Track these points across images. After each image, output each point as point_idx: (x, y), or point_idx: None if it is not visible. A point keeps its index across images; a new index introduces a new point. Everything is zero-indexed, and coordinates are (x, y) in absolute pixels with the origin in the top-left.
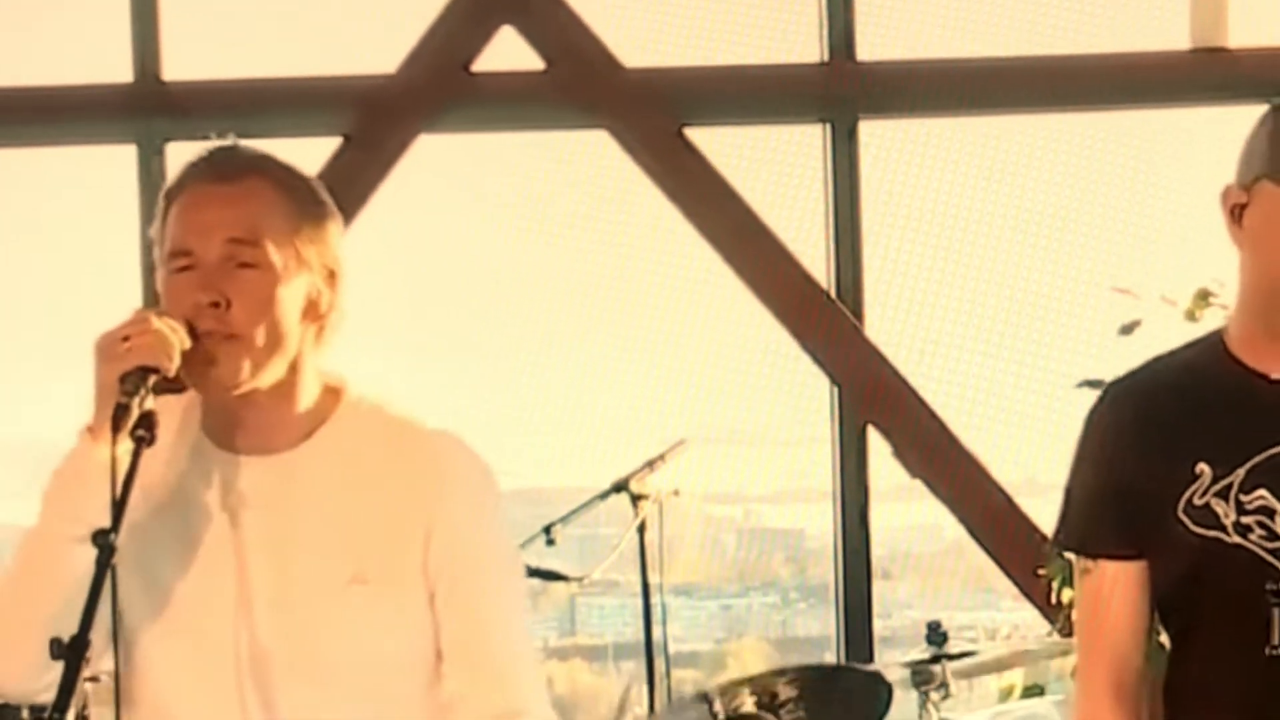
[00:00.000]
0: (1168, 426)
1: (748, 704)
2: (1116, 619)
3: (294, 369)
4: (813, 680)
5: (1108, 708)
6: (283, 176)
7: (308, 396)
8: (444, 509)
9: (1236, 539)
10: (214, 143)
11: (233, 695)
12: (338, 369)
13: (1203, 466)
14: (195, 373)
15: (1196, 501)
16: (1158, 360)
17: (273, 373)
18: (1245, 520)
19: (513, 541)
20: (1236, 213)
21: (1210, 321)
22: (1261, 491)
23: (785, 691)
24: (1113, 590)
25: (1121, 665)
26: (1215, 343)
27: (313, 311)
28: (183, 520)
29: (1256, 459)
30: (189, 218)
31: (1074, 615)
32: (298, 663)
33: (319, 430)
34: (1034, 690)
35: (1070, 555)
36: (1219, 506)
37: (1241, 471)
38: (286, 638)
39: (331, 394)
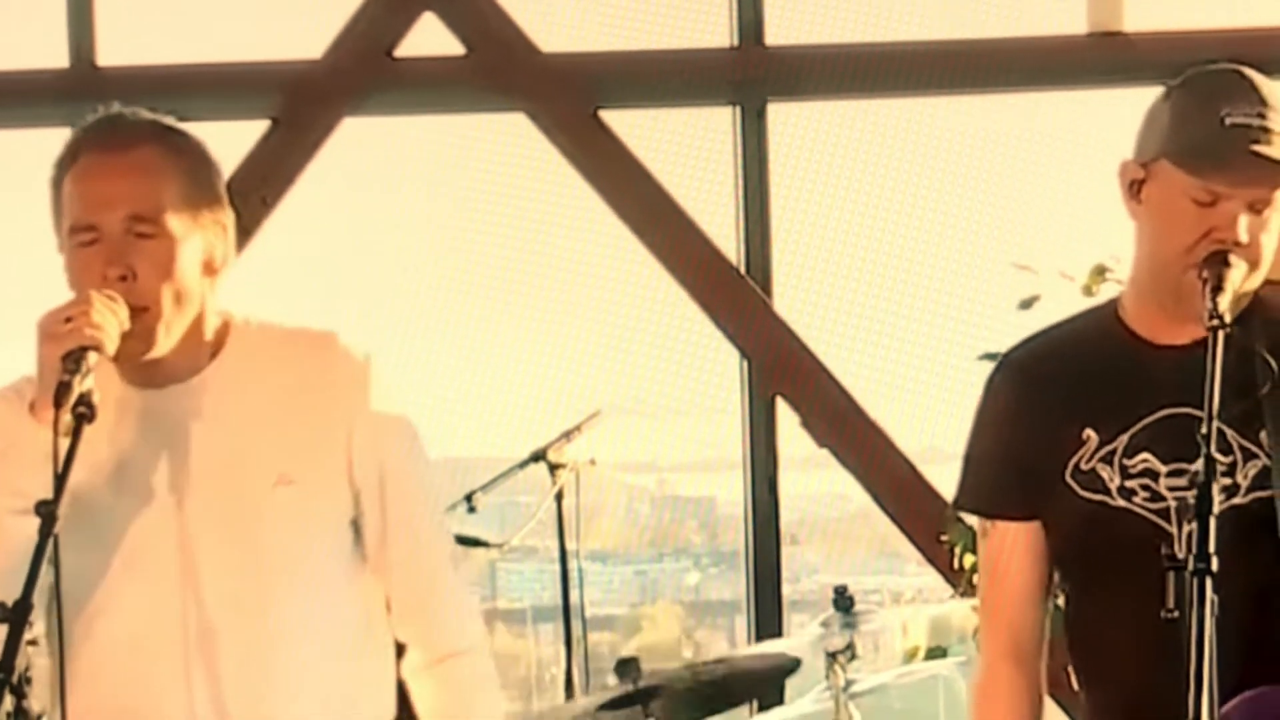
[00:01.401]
0: (1058, 393)
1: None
2: (1014, 578)
3: (199, 316)
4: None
5: (1006, 663)
6: (172, 140)
7: (210, 328)
8: (362, 406)
9: (1121, 502)
10: (101, 113)
11: (174, 596)
12: None
13: (1089, 432)
14: (124, 347)
15: (1083, 466)
16: (1051, 329)
17: (183, 325)
18: (1129, 484)
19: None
20: (1134, 188)
21: (1106, 296)
22: (1145, 455)
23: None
24: (1010, 550)
25: (1019, 622)
26: (1109, 312)
27: (210, 267)
28: (116, 463)
29: (1141, 424)
30: (88, 191)
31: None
32: (233, 562)
33: (222, 350)
34: (937, 652)
35: (970, 517)
36: (1104, 471)
37: (1125, 437)
38: (221, 541)
39: (223, 320)
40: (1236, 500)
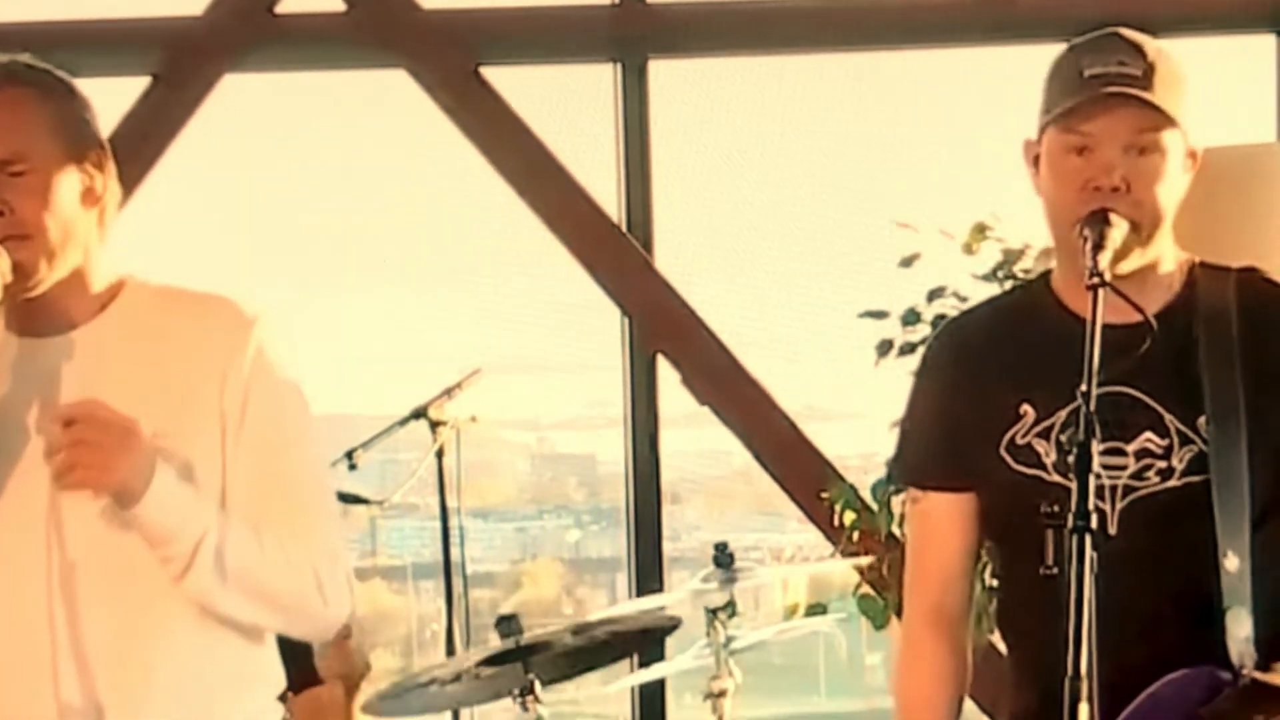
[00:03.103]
0: (995, 366)
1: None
2: (942, 548)
3: (85, 255)
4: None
5: (929, 632)
6: (39, 80)
7: (99, 280)
8: (237, 364)
9: (1056, 477)
10: None
11: (39, 557)
12: None
13: (1026, 407)
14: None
15: (1019, 441)
16: (993, 300)
17: (68, 261)
18: (1065, 460)
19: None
20: (1036, 162)
21: (987, 254)
22: None
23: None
24: (941, 520)
25: (945, 593)
26: (1043, 284)
27: (90, 196)
28: (3, 411)
29: (1077, 400)
30: None
31: (905, 541)
32: (101, 526)
33: (111, 305)
34: (817, 609)
35: (908, 486)
36: (1040, 446)
37: (1062, 413)
38: (90, 500)
39: (119, 279)
40: (1171, 483)
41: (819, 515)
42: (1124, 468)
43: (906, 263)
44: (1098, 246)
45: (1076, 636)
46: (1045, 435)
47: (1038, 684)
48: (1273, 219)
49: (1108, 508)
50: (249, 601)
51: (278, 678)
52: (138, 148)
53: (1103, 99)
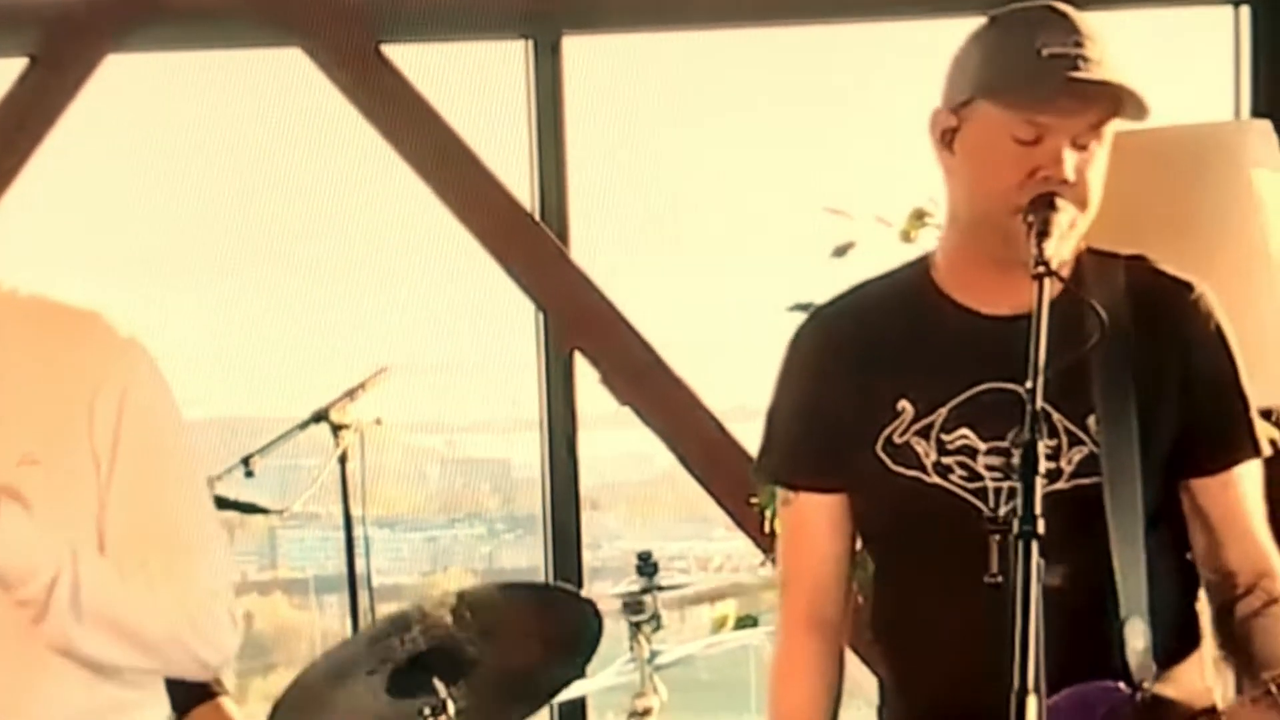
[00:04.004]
0: (871, 359)
1: (452, 628)
2: (816, 551)
3: None
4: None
5: (806, 637)
6: None
7: None
8: (110, 383)
9: (936, 479)
10: None
11: None
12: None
13: (904, 404)
14: None
15: (896, 440)
16: (865, 285)
17: None
18: (946, 460)
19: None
20: (946, 137)
21: (926, 242)
22: (964, 431)
23: (490, 615)
24: (814, 522)
25: (822, 598)
26: (921, 271)
27: None
28: None
29: (960, 397)
30: None
31: (778, 544)
32: None
33: None
34: (747, 621)
35: (776, 486)
36: (920, 445)
37: (944, 410)
38: None
39: None
40: (1059, 485)
41: (748, 521)
42: (1007, 468)
43: (840, 252)
44: (1043, 234)
45: (1024, 648)
46: (925, 434)
47: (933, 706)
48: (1230, 202)
49: (991, 511)
50: (112, 641)
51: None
52: (13, 135)
53: (1070, 86)
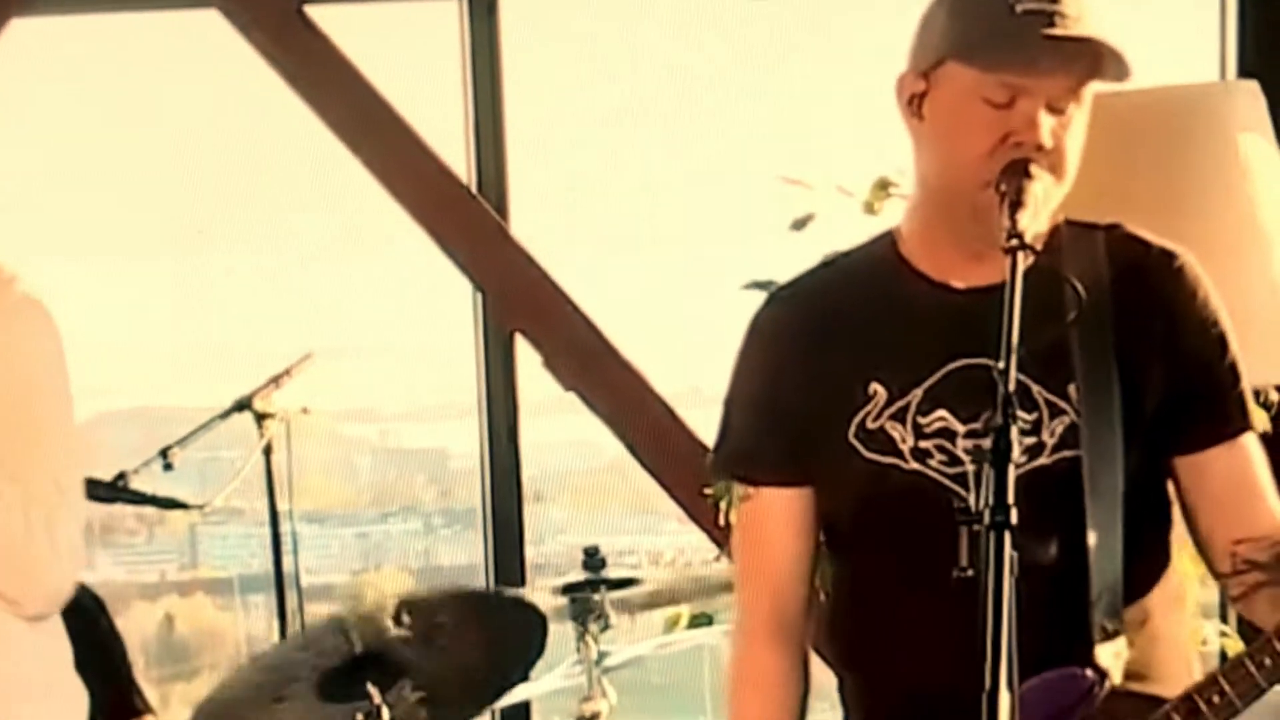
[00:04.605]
0: (836, 341)
1: (390, 632)
2: (778, 550)
3: None
4: (463, 608)
5: (766, 644)
6: None
7: None
8: None
9: (914, 465)
10: None
11: None
12: None
13: (876, 386)
14: None
15: (870, 425)
16: (829, 263)
17: None
18: (923, 445)
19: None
20: (914, 103)
21: (891, 214)
22: (941, 413)
23: (429, 619)
24: (775, 518)
25: (783, 598)
26: (887, 245)
27: None
28: None
29: (935, 377)
30: None
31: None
32: None
33: None
34: (701, 620)
35: (734, 481)
36: (895, 430)
37: (919, 391)
38: None
39: None
40: (1041, 460)
41: (702, 514)
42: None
43: (799, 225)
44: (1016, 204)
45: (995, 646)
46: (900, 418)
47: (910, 707)
48: (1216, 170)
49: (971, 496)
50: None
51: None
52: None
53: (1045, 44)
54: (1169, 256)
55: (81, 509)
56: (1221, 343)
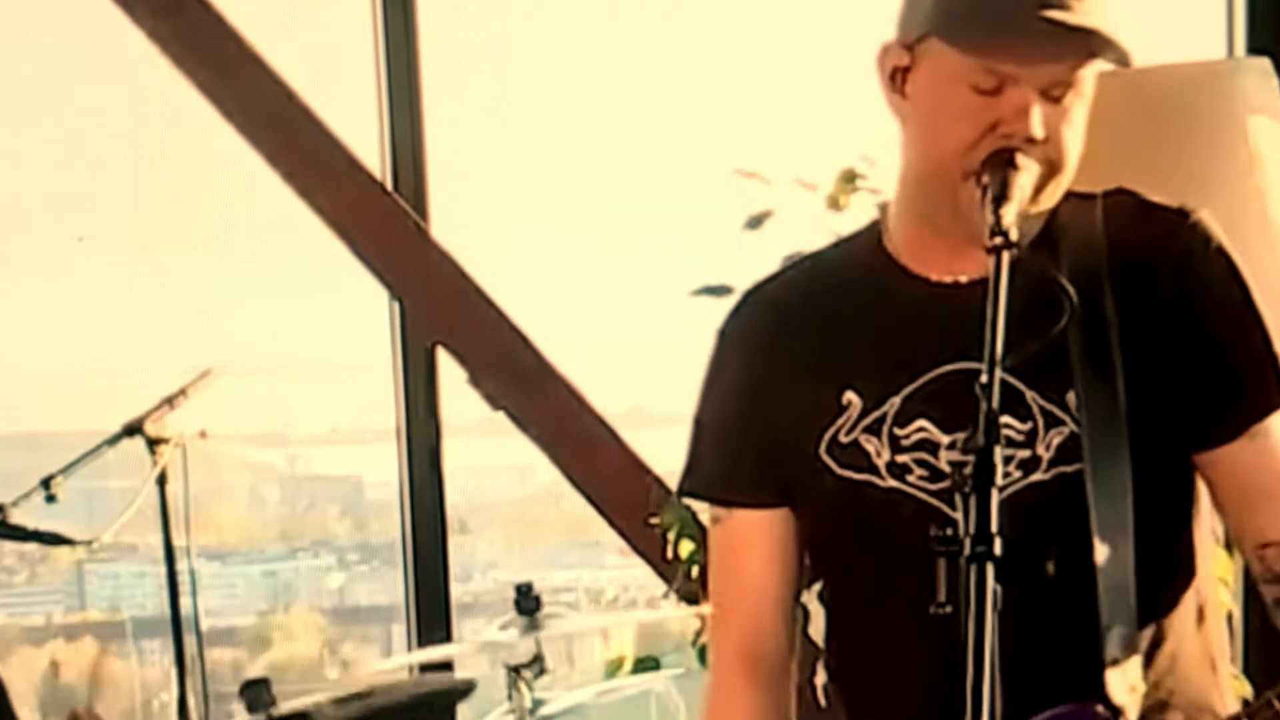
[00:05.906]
0: (811, 348)
1: None
2: (754, 576)
3: None
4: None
5: (743, 678)
6: None
7: None
8: None
9: (892, 481)
10: None
11: None
12: None
13: (850, 396)
14: None
15: (843, 439)
16: (803, 261)
17: None
18: (902, 459)
19: None
20: (897, 78)
21: (859, 209)
22: (922, 423)
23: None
24: (749, 544)
25: (759, 631)
26: (871, 239)
27: None
28: None
29: (915, 384)
30: None
31: (708, 570)
32: None
33: None
34: (648, 663)
35: (699, 503)
36: (870, 444)
37: (897, 400)
38: None
39: None
40: (1037, 476)
41: (647, 546)
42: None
43: (755, 223)
44: (1000, 199)
45: (976, 686)
46: (875, 430)
47: None
48: (1223, 147)
49: (958, 514)
50: None
51: None
52: None
53: (1041, 28)
54: (1179, 215)
55: None
56: (1245, 312)
